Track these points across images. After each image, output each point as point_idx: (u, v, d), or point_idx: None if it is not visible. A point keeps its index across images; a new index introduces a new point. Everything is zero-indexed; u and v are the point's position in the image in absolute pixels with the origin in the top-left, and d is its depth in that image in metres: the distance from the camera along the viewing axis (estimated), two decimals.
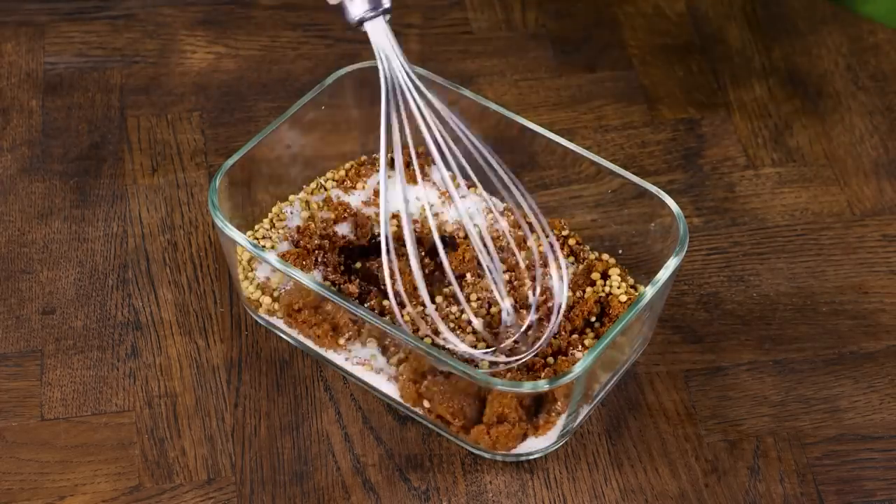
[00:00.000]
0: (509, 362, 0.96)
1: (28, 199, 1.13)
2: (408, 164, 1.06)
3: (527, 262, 1.01)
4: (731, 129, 1.19)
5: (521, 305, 1.00)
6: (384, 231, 0.94)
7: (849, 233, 1.12)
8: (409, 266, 0.95)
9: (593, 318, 1.01)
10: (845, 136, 1.18)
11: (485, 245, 0.97)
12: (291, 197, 1.08)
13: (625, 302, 1.01)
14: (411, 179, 1.06)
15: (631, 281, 1.03)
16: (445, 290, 1.02)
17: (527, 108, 1.19)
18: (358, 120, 1.09)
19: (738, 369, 1.03)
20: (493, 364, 0.97)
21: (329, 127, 1.08)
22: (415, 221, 1.06)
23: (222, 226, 0.99)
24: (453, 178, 1.00)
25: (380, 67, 0.95)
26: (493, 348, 0.96)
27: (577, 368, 0.91)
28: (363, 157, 1.11)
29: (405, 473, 0.98)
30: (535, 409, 0.96)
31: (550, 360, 0.98)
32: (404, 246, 0.94)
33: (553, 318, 0.97)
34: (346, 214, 1.06)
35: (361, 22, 0.95)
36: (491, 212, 1.05)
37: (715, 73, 1.23)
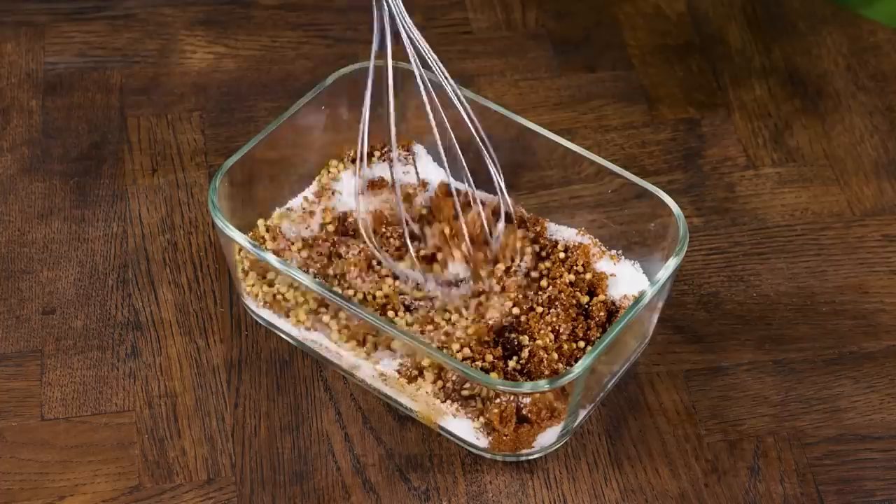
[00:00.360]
0: (441, 282, 1.00)
1: (28, 199, 1.13)
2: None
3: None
4: (731, 129, 1.19)
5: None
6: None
7: (849, 233, 1.12)
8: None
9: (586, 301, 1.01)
10: (845, 136, 1.18)
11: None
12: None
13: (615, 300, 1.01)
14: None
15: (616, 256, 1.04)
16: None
17: (527, 108, 1.19)
18: (358, 120, 1.09)
19: (738, 369, 1.03)
20: (432, 285, 1.01)
21: (329, 127, 1.08)
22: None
23: (222, 226, 0.99)
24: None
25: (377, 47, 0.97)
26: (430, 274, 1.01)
27: (578, 368, 0.91)
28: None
29: (405, 473, 0.98)
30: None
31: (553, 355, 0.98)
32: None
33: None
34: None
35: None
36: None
37: (715, 73, 1.23)
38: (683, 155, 1.17)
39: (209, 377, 1.02)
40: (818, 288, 1.08)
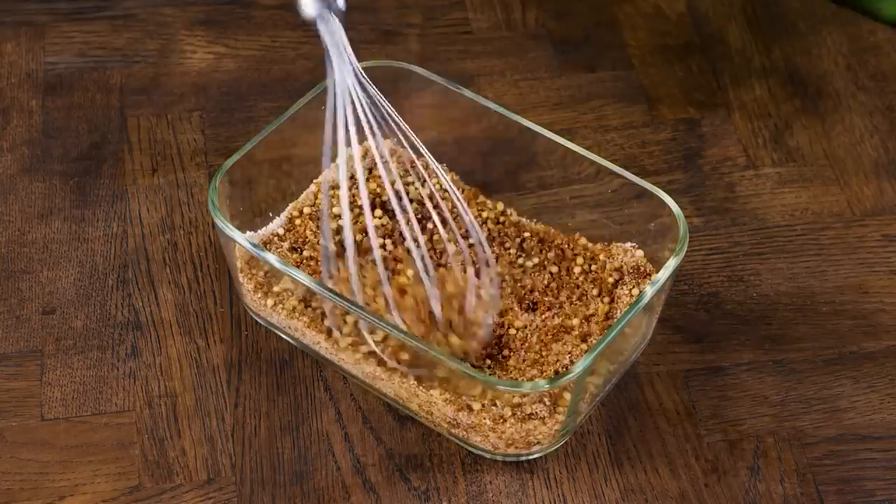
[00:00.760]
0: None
1: (28, 199, 1.13)
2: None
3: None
4: (731, 129, 1.19)
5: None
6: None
7: (849, 233, 1.12)
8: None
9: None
10: (845, 136, 1.18)
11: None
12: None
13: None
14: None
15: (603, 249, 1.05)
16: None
17: (527, 108, 1.19)
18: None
19: (738, 369, 1.03)
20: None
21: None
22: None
23: (222, 226, 0.99)
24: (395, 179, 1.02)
25: (328, 67, 0.96)
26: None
27: (578, 368, 0.91)
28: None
29: (405, 473, 0.98)
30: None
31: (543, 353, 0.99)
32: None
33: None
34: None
35: (315, 19, 0.95)
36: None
37: (715, 73, 1.23)
38: (683, 155, 1.17)
39: (209, 377, 1.02)
40: (818, 288, 1.08)
